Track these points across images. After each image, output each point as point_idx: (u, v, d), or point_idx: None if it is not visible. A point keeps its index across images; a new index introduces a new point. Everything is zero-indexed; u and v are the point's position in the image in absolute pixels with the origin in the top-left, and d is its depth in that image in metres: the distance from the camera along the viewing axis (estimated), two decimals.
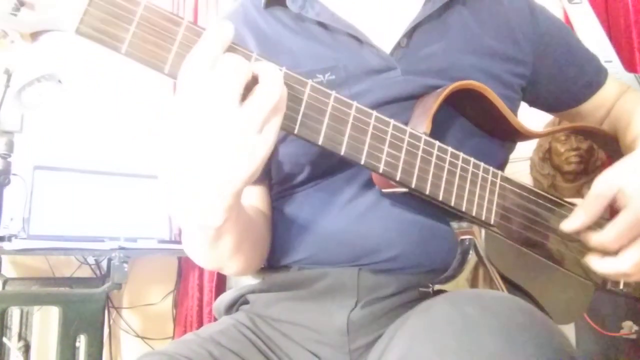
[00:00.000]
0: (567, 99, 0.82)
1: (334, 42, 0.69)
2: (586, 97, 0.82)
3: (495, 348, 0.42)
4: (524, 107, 0.90)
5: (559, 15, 2.23)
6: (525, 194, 0.69)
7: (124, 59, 0.47)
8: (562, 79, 0.80)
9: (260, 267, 0.73)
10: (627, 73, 1.41)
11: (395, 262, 0.65)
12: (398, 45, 0.68)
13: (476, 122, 0.71)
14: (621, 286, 0.74)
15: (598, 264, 0.63)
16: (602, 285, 0.74)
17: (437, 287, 0.60)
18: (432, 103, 0.63)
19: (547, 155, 1.81)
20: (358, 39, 0.68)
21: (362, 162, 0.55)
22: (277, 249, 0.72)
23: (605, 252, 0.63)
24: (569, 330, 1.78)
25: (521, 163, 1.93)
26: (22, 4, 0.44)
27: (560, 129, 0.79)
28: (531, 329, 0.44)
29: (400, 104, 0.66)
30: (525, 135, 0.72)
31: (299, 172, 0.69)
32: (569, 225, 0.64)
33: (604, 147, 0.84)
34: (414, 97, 0.67)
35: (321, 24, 0.69)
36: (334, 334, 0.63)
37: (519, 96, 0.76)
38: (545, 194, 0.71)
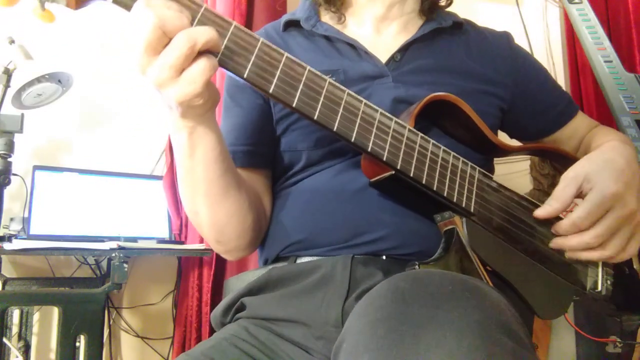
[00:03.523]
0: (542, 127, 0.91)
1: (337, 52, 0.81)
2: (559, 125, 0.91)
3: (422, 315, 0.43)
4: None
5: (559, 15, 2.23)
6: (502, 191, 0.73)
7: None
8: (539, 108, 0.89)
9: (238, 252, 0.78)
10: (627, 73, 1.41)
11: (388, 241, 0.69)
12: (392, 58, 0.79)
13: (454, 135, 0.76)
14: (599, 288, 0.75)
15: (563, 240, 0.69)
16: (581, 287, 0.76)
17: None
18: (415, 107, 0.70)
19: None
20: (357, 49, 0.80)
21: (353, 140, 0.61)
22: (273, 241, 0.77)
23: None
24: (570, 336, 1.78)
25: (521, 163, 1.93)
26: None
27: (532, 147, 0.85)
28: (459, 295, 0.45)
29: (388, 107, 0.73)
30: (500, 149, 0.77)
31: (297, 160, 0.77)
32: (542, 212, 0.69)
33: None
34: (401, 102, 0.75)
35: (327, 38, 0.82)
36: (329, 327, 0.65)
37: (498, 114, 0.84)
38: (522, 195, 0.75)
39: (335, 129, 0.60)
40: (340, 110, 0.60)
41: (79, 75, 1.64)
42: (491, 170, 0.83)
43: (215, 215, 0.71)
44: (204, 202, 0.69)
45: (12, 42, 1.47)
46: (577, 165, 0.69)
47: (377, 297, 0.48)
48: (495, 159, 0.84)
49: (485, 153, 0.78)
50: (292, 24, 0.85)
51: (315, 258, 0.71)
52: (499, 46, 0.88)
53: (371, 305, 0.48)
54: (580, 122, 0.92)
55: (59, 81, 1.55)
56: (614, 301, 0.77)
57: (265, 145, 0.82)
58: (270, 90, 0.57)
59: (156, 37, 0.50)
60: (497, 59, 0.86)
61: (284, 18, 0.87)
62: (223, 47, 0.55)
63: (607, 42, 1.43)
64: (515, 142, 0.92)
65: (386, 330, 0.43)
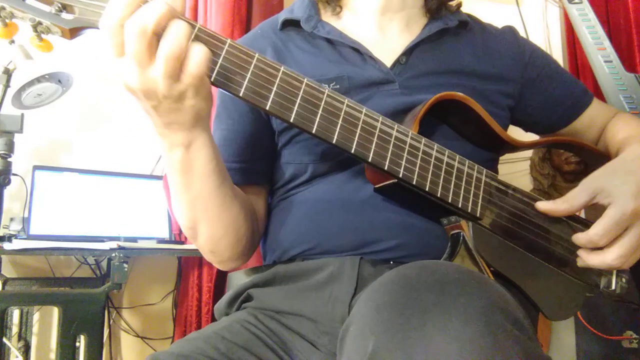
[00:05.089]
0: (558, 119, 0.88)
1: (340, 57, 0.77)
2: (575, 115, 0.88)
3: (428, 300, 0.44)
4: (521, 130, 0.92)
5: (559, 15, 2.23)
6: (511, 192, 0.72)
7: None
8: (550, 100, 0.86)
9: (231, 262, 0.77)
10: (627, 73, 1.41)
11: (395, 251, 0.68)
12: (398, 62, 0.76)
13: (463, 134, 0.75)
14: (613, 287, 0.75)
15: (585, 256, 0.67)
16: (595, 287, 0.75)
17: None
18: (420, 109, 0.68)
19: (547, 155, 1.81)
20: (361, 54, 0.76)
21: (352, 151, 0.60)
22: (281, 245, 0.75)
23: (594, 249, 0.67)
24: (569, 334, 1.78)
25: (521, 163, 1.92)
26: (64, 8, 0.55)
27: (545, 141, 0.82)
28: (465, 283, 0.45)
29: (396, 115, 0.71)
30: (510, 145, 0.76)
31: (303, 172, 0.75)
32: (544, 206, 0.69)
33: (590, 160, 0.87)
34: (408, 109, 0.72)
35: (330, 41, 0.78)
36: (334, 322, 0.65)
37: (506, 114, 0.82)
38: (532, 195, 0.73)
39: (334, 141, 0.59)
40: (340, 121, 0.59)
41: (79, 75, 1.64)
42: (495, 171, 0.82)
43: (213, 228, 0.69)
44: (202, 217, 0.68)
45: (12, 42, 1.47)
46: (598, 173, 0.68)
47: (384, 284, 0.49)
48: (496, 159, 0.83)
49: (495, 150, 0.77)
50: (291, 24, 0.80)
51: (322, 259, 0.70)
52: (505, 42, 0.86)
53: (378, 291, 0.48)
54: (598, 111, 0.88)
55: (59, 81, 1.55)
56: (633, 296, 0.76)
57: (259, 161, 0.79)
58: (267, 107, 0.56)
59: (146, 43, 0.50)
60: (504, 55, 0.84)
61: (282, 16, 0.81)
62: (218, 66, 0.55)
63: (607, 42, 1.44)
64: (529, 136, 0.89)
65: (392, 314, 0.44)
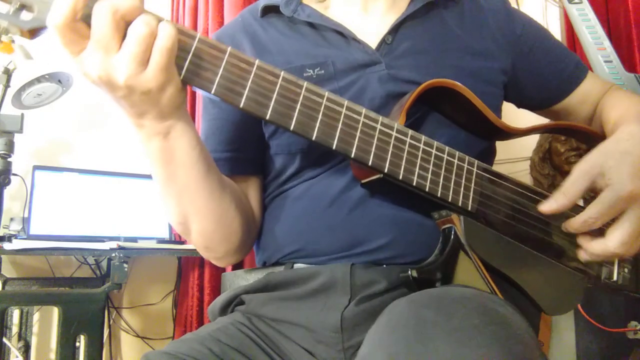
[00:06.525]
0: (550, 94, 0.85)
1: (323, 40, 0.74)
2: (568, 91, 0.84)
3: (446, 352, 0.42)
4: (519, 112, 0.91)
5: (559, 15, 2.23)
6: (505, 183, 0.69)
7: None
8: (543, 75, 0.83)
9: (228, 257, 0.75)
10: (627, 73, 1.41)
11: (386, 250, 0.66)
12: (383, 41, 0.73)
13: (455, 121, 0.72)
14: (615, 278, 0.73)
15: (588, 245, 0.65)
16: (596, 278, 0.73)
17: (418, 274, 0.61)
18: (406, 99, 0.65)
19: (547, 155, 1.81)
20: (345, 36, 0.73)
21: (334, 147, 0.58)
22: (271, 246, 0.74)
23: (590, 232, 0.64)
24: (569, 328, 1.78)
25: (521, 163, 1.92)
26: (23, 7, 0.51)
27: (542, 126, 0.78)
28: (486, 330, 0.44)
29: (384, 98, 0.69)
30: (504, 132, 0.73)
31: (291, 163, 0.72)
32: (547, 207, 0.65)
33: (586, 143, 0.83)
34: (396, 92, 0.69)
35: (311, 25, 0.75)
36: (327, 331, 0.64)
37: (500, 92, 0.79)
38: (528, 185, 0.70)
39: (314, 137, 0.57)
40: (320, 116, 0.57)
41: (79, 75, 1.64)
42: (492, 152, 0.79)
43: (204, 221, 0.67)
44: (191, 210, 0.65)
45: (12, 42, 1.47)
46: (592, 156, 0.64)
47: (397, 326, 0.47)
48: (495, 160, 0.81)
49: (489, 137, 0.74)
50: (271, 9, 0.77)
51: (312, 266, 0.69)
52: (496, 15, 0.81)
53: (390, 334, 0.46)
54: (591, 86, 0.84)
55: (59, 81, 1.55)
56: (633, 286, 0.74)
57: (250, 149, 0.76)
58: (241, 105, 0.54)
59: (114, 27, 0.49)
60: (495, 29, 0.80)
61: (262, 2, 0.78)
62: (187, 62, 0.53)
63: (607, 42, 1.44)
64: (524, 119, 0.87)
65: None
